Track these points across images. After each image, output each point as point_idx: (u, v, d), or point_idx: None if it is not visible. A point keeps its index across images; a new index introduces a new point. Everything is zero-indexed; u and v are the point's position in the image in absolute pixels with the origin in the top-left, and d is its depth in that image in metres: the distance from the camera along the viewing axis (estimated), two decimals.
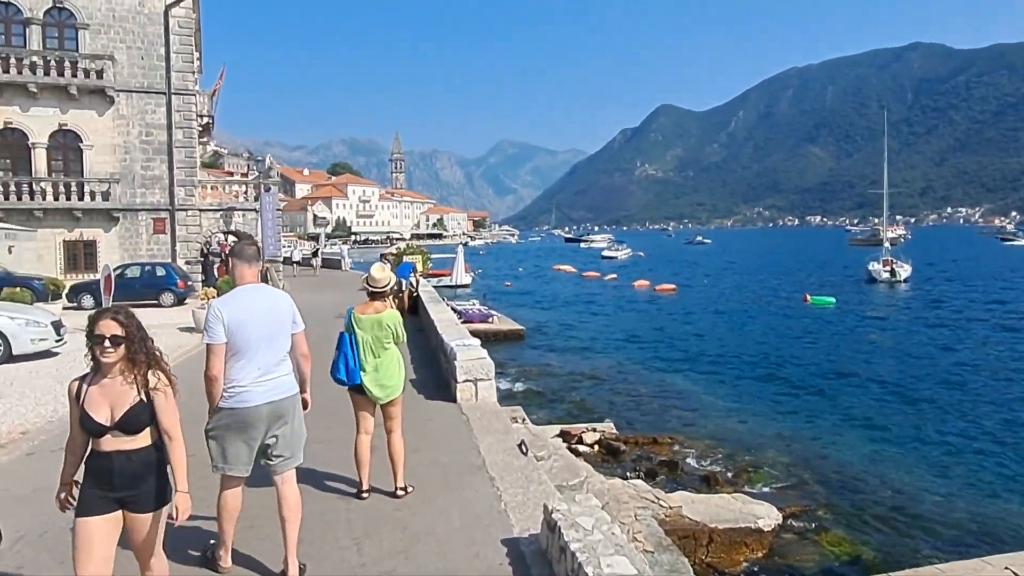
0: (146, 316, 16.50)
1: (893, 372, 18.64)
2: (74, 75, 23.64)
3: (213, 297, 17.58)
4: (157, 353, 3.26)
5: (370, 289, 5.54)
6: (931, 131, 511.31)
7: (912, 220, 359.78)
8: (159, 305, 22.26)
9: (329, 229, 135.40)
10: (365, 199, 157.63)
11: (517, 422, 9.43)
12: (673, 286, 42.11)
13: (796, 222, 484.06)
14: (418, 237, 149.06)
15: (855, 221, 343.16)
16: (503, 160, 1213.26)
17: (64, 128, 24.19)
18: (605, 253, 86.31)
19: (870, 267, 45.30)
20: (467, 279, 28.54)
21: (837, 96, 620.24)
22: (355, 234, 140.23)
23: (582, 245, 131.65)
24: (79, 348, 12.29)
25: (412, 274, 19.11)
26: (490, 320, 23.19)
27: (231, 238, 35.99)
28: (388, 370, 5.44)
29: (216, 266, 31.99)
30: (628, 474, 10.52)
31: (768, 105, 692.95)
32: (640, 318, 30.42)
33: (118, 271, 22.75)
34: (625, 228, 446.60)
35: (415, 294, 19.06)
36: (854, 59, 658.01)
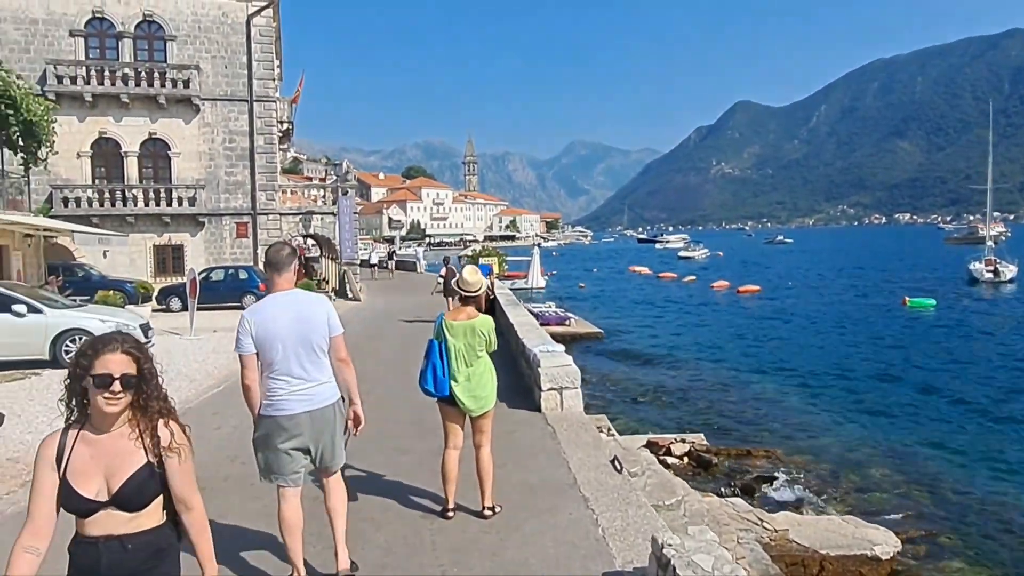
0: (229, 318, 16.67)
1: (1010, 381, 17.07)
2: (162, 85, 24.45)
3: None
4: (168, 397, 2.38)
5: (463, 293, 5.15)
6: None
7: (1011, 217, 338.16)
8: (242, 307, 22.70)
9: (404, 232, 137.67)
10: (439, 202, 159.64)
11: (604, 432, 8.88)
12: (756, 287, 40.48)
13: (883, 220, 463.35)
14: (491, 239, 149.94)
15: (948, 218, 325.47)
16: (575, 161, 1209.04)
17: (154, 136, 25.06)
18: (682, 254, 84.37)
19: (971, 267, 42.51)
20: (542, 282, 28.04)
21: (927, 88, 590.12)
22: (429, 236, 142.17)
23: (657, 246, 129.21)
24: (166, 351, 12.41)
25: (489, 276, 18.76)
26: (567, 323, 22.64)
27: (310, 241, 36.71)
28: (481, 380, 5.05)
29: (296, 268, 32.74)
30: (723, 489, 9.81)
31: (853, 99, 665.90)
32: (723, 321, 29.24)
33: (203, 274, 23.36)
34: (700, 228, 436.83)
35: (492, 296, 18.72)
36: (945, 48, 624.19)
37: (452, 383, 4.96)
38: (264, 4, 25.66)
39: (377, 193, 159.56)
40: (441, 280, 21.17)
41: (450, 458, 5.10)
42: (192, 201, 25.09)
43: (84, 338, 13.04)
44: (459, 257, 30.31)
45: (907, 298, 32.68)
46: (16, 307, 12.37)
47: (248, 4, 25.57)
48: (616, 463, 6.26)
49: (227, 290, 22.88)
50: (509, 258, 30.01)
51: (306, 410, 3.80)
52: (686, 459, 11.16)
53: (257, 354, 3.78)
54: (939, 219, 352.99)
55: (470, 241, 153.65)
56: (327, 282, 34.88)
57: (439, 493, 5.26)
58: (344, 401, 4.10)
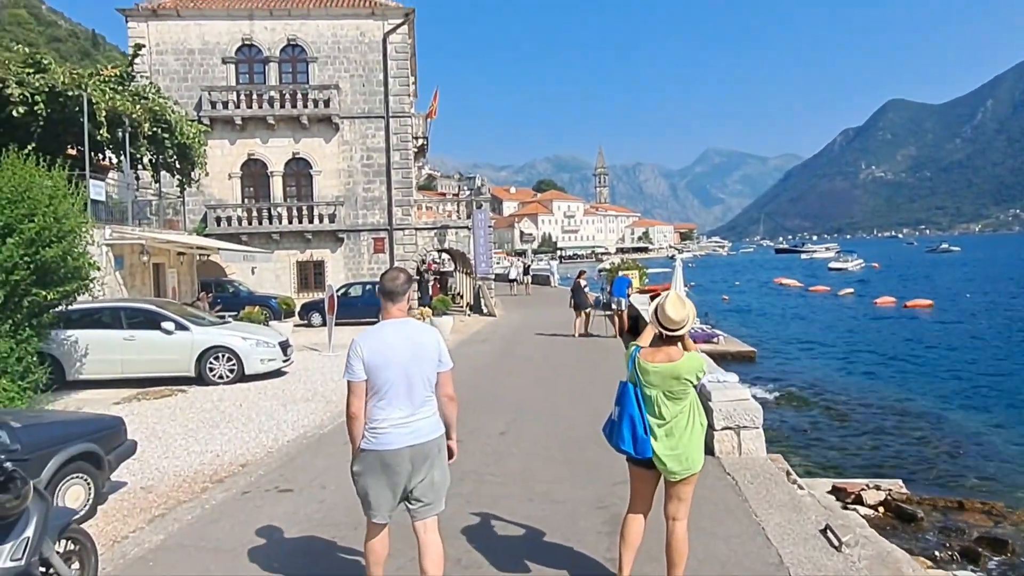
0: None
1: None
2: (305, 106, 25.13)
3: (428, 317, 17.32)
4: None
5: (664, 331, 3.95)
6: None
7: None
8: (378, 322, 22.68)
9: (535, 245, 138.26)
10: (570, 214, 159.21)
11: (791, 477, 7.34)
12: (928, 302, 36.18)
13: None
14: (623, 251, 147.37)
15: None
16: (709, 170, 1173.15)
17: (297, 156, 25.80)
18: (832, 265, 78.17)
19: None
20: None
21: None
22: (560, 249, 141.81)
23: (803, 256, 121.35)
24: (304, 368, 12.08)
25: (629, 290, 17.41)
26: (715, 340, 20.73)
27: (444, 256, 36.86)
28: (687, 436, 3.88)
29: (431, 283, 32.74)
30: (936, 553, 7.93)
31: None
32: (894, 340, 26.02)
33: (341, 290, 23.61)
34: (849, 237, 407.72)
35: (635, 314, 17.37)
36: None
37: (651, 440, 3.84)
38: (400, 21, 25.83)
39: (508, 207, 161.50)
40: (593, 295, 20.19)
41: (635, 524, 4.01)
42: (332, 218, 25.55)
43: (227, 355, 13.20)
44: (599, 271, 29.15)
45: None
46: (165, 324, 12.55)
47: (384, 22, 25.85)
48: (831, 534, 4.81)
49: (365, 306, 22.93)
50: (649, 271, 28.36)
51: (409, 444, 3.68)
52: (882, 509, 9.29)
53: (366, 382, 3.68)
54: None
55: (602, 254, 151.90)
56: (461, 296, 34.82)
57: (602, 560, 4.14)
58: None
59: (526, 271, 38.88)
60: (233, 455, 8.24)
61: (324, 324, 22.24)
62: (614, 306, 17.11)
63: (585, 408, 9.55)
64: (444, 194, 72.69)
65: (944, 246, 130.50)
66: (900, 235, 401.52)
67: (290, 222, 25.49)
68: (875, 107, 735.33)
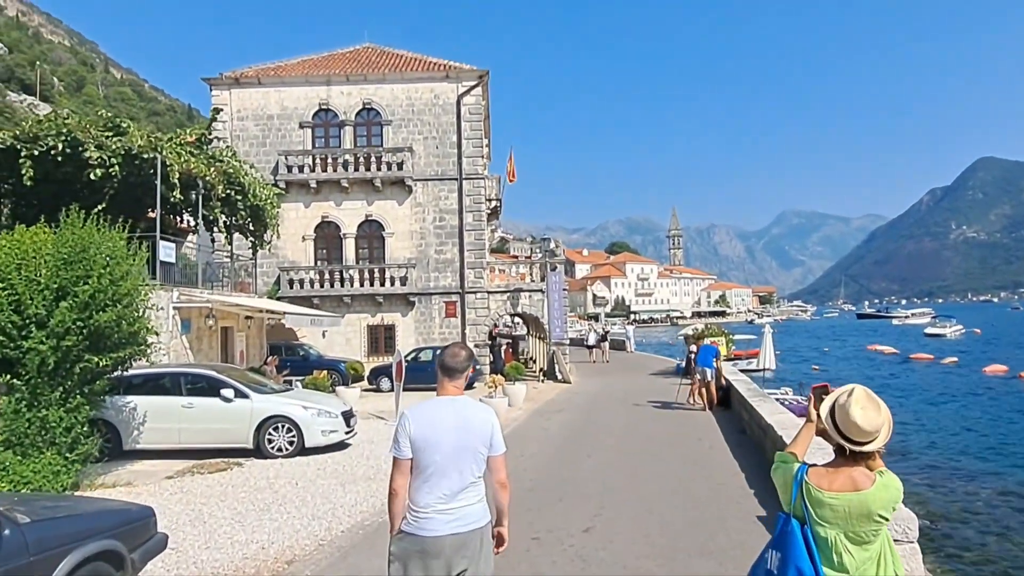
0: None
1: None
2: (378, 168, 25.08)
3: (501, 385, 16.23)
4: None
5: (848, 444, 2.72)
6: None
7: None
8: None
9: (608, 308, 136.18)
10: (643, 277, 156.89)
11: None
12: None
13: None
14: (699, 315, 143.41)
15: None
16: (787, 231, 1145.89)
17: (369, 218, 25.66)
18: (929, 331, 73.21)
19: None
20: (774, 362, 24.26)
21: None
22: (634, 313, 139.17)
23: (894, 322, 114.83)
24: (369, 440, 11.12)
25: (716, 360, 15.86)
26: None
27: (517, 320, 35.89)
28: None
29: (503, 348, 31.72)
30: None
31: None
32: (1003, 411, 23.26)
33: (411, 355, 22.88)
34: (941, 300, 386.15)
35: (726, 384, 15.80)
36: None
37: None
38: (473, 83, 25.73)
39: (581, 270, 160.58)
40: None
41: None
42: (403, 280, 25.09)
43: (287, 426, 12.44)
44: (684, 338, 27.45)
45: None
46: (224, 392, 11.89)
47: (458, 85, 25.80)
48: None
49: (435, 371, 22.12)
50: (736, 336, 26.53)
51: (452, 532, 3.42)
52: None
53: (411, 459, 3.44)
54: None
55: (677, 317, 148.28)
56: (534, 361, 33.61)
57: None
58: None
59: (604, 337, 36.33)
60: (280, 547, 7.26)
61: (392, 389, 21.55)
62: (698, 376, 15.53)
63: (684, 499, 8.19)
64: (516, 257, 72.57)
65: None
66: (996, 299, 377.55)
67: (361, 284, 25.16)
68: (964, 165, 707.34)
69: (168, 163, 14.23)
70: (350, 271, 25.17)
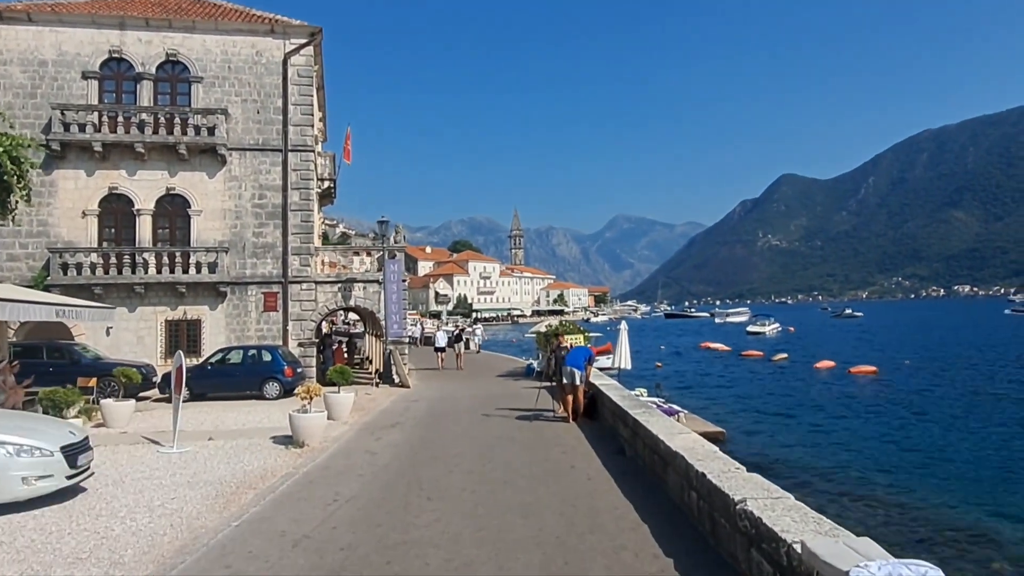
0: (243, 414, 10.42)
1: None
2: (184, 133, 20.87)
3: (317, 395, 12.95)
4: None
5: None
6: None
7: None
8: (263, 397, 18.17)
9: (451, 306, 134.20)
10: (486, 275, 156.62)
11: None
12: (872, 368, 34.52)
13: (942, 292, 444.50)
14: (539, 313, 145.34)
15: (1012, 289, 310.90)
16: (619, 235, 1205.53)
17: (172, 192, 21.32)
18: (750, 329, 77.81)
19: None
20: (629, 362, 22.95)
21: (980, 157, 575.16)
22: (476, 311, 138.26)
23: (716, 320, 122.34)
24: (117, 480, 7.36)
25: (588, 364, 13.72)
26: (676, 417, 17.38)
27: (353, 316, 32.30)
28: None
29: (335, 348, 28.18)
30: None
31: (901, 170, 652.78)
32: (863, 411, 23.61)
33: (217, 356, 19.05)
34: (749, 301, 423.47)
35: (591, 391, 13.77)
36: (997, 118, 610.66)
37: None
38: (304, 41, 22.21)
39: (424, 267, 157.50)
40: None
41: None
42: (212, 267, 21.04)
43: None
44: (536, 336, 25.21)
45: None
46: None
47: (286, 42, 22.16)
48: None
49: (245, 375, 18.43)
50: (591, 334, 24.92)
51: None
52: None
53: None
54: (1003, 290, 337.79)
55: (518, 316, 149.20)
56: (371, 362, 30.29)
57: None
58: None
59: (458, 337, 30.60)
60: None
61: (194, 398, 17.63)
62: (566, 380, 13.29)
63: (563, 556, 5.65)
64: (349, 236, 67.82)
65: (847, 311, 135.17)
66: (793, 300, 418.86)
67: (159, 271, 20.82)
68: (770, 180, 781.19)
69: None
70: (144, 255, 20.74)
